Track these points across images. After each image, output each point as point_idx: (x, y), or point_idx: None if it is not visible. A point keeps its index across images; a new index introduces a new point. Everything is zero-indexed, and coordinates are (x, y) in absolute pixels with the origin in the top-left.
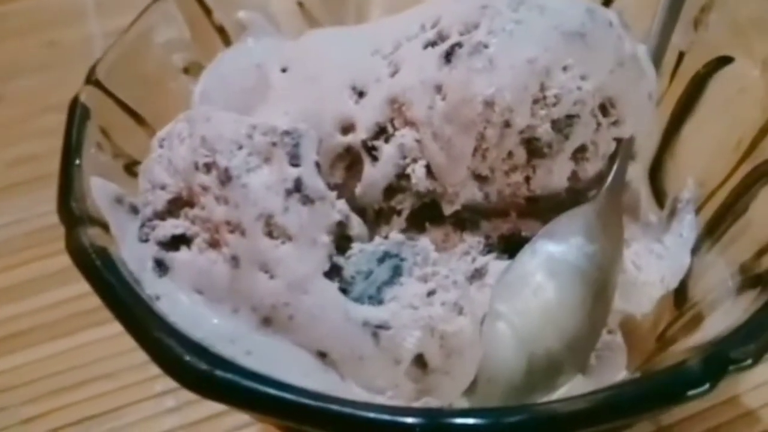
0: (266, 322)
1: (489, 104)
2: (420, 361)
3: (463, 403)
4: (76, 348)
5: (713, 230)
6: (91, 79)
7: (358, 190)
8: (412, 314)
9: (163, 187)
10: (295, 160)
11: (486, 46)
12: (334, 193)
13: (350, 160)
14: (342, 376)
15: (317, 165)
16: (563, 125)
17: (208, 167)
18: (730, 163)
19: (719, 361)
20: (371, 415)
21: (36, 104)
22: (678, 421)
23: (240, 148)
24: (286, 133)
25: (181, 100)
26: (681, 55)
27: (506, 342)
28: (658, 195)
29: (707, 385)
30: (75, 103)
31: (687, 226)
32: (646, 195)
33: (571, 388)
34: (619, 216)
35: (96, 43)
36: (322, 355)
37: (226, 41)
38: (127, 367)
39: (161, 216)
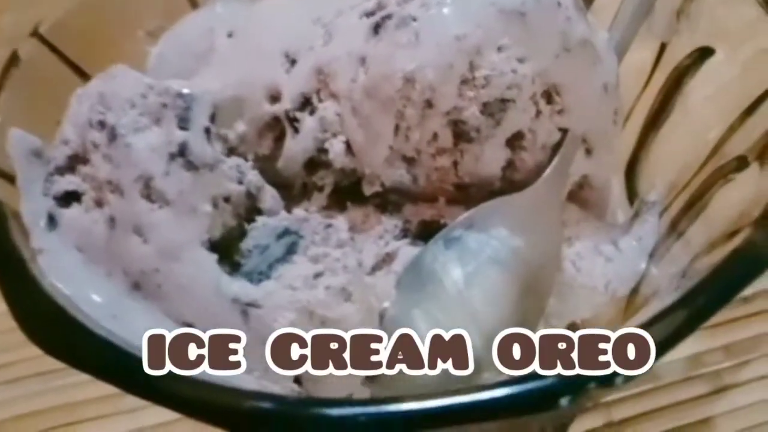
0: (136, 287)
1: (409, 81)
2: None
3: (365, 394)
4: None
5: (670, 235)
6: (35, 33)
7: (280, 162)
8: (291, 295)
9: (66, 143)
10: (183, 123)
11: (414, 20)
12: (249, 163)
13: (279, 131)
14: None
15: (207, 131)
16: (495, 109)
17: (102, 125)
18: (698, 164)
19: (580, 377)
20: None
21: None
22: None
23: (133, 107)
24: (179, 95)
25: (136, 62)
26: (663, 48)
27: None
28: (634, 194)
29: (566, 399)
30: (13, 55)
31: (648, 230)
32: (619, 193)
33: None
34: (558, 210)
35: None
36: (188, 326)
37: (195, 5)
38: None
39: (61, 171)
